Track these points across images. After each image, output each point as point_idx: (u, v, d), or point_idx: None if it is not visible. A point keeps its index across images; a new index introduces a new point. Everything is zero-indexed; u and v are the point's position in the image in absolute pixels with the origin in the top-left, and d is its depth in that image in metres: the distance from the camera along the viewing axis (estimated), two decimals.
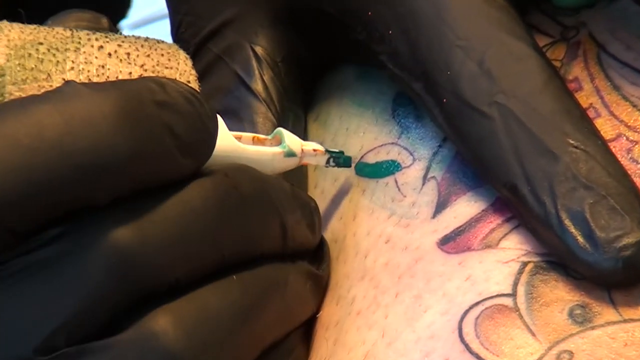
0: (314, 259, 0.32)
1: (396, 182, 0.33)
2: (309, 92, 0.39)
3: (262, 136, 0.32)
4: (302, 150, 0.32)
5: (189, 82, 0.33)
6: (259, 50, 0.35)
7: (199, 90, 0.30)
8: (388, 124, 0.34)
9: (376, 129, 0.35)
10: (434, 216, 0.31)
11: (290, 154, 0.32)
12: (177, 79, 0.31)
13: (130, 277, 0.25)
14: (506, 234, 0.30)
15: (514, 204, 0.29)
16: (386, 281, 0.31)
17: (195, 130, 0.26)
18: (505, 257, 0.29)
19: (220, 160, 0.28)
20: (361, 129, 0.35)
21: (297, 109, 0.36)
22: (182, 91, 0.26)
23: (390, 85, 0.35)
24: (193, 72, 0.34)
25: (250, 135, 0.31)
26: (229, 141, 0.29)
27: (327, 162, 0.33)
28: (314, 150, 0.33)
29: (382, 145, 0.34)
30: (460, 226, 0.31)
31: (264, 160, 0.31)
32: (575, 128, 0.28)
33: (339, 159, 0.33)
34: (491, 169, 0.29)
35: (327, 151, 0.33)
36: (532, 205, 0.28)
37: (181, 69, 0.31)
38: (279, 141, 0.32)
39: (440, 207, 0.31)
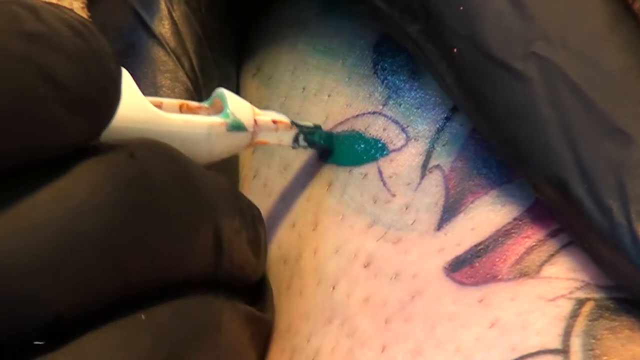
0: (252, 294, 0.31)
1: (380, 172, 0.32)
2: (245, 33, 0.39)
3: (193, 103, 0.31)
4: (256, 121, 0.31)
5: (71, 7, 0.31)
6: None
7: (89, 20, 0.28)
8: (367, 83, 0.33)
9: (349, 91, 0.33)
10: (439, 227, 0.30)
11: (236, 126, 0.30)
12: (58, 3, 0.30)
13: None
14: (551, 256, 0.28)
15: (563, 210, 0.28)
16: (366, 326, 0.29)
17: (88, 76, 0.25)
18: (550, 291, 0.28)
19: (128, 134, 0.27)
20: (326, 90, 0.34)
21: (225, 61, 0.36)
22: (65, 18, 0.25)
23: (370, 24, 0.34)
24: None
25: (175, 101, 0.30)
26: (140, 106, 0.28)
27: (295, 140, 0.32)
28: (274, 121, 0.31)
29: (358, 115, 0.33)
30: (481, 243, 0.29)
31: (195, 136, 0.29)
32: None
33: (313, 136, 0.32)
34: (527, 156, 0.28)
35: (294, 124, 0.32)
36: (590, 213, 0.26)
37: None
38: (219, 109, 0.30)
39: (449, 212, 0.30)
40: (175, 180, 0.27)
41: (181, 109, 0.31)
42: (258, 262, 0.31)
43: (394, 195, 0.31)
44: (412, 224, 0.30)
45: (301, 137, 0.32)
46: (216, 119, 0.30)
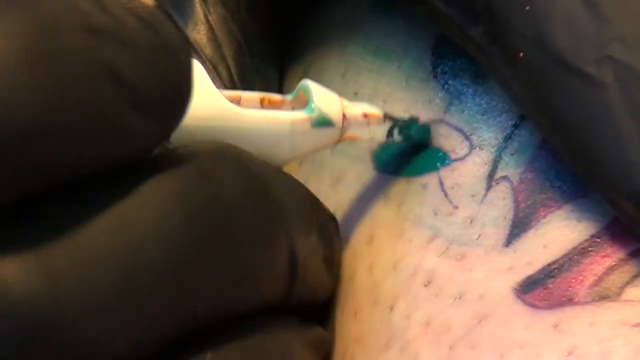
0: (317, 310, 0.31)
1: (441, 183, 0.31)
2: (290, 35, 0.38)
3: (276, 96, 0.30)
4: (345, 115, 0.30)
5: None
6: None
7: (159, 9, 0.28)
8: (426, 88, 0.33)
9: (406, 96, 0.33)
10: (507, 243, 0.29)
11: (323, 121, 0.29)
12: None
13: (32, 354, 0.23)
14: (634, 277, 0.28)
15: None
16: (429, 354, 0.29)
17: (158, 73, 0.24)
18: (634, 315, 0.27)
19: (201, 134, 0.27)
20: (380, 95, 0.34)
21: (267, 67, 0.36)
22: (132, 8, 0.24)
23: (428, 23, 0.33)
24: None
25: (256, 95, 0.30)
26: (215, 101, 0.28)
27: (389, 134, 0.31)
28: (365, 115, 0.30)
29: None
30: (555, 262, 0.28)
31: (277, 133, 0.28)
32: None
33: (409, 129, 0.31)
34: (603, 169, 0.27)
35: (388, 117, 0.31)
36: None
37: None
38: (304, 102, 0.30)
39: (518, 227, 0.29)
40: (251, 202, 0.26)
41: (262, 103, 0.30)
42: (331, 279, 0.30)
43: (456, 208, 0.31)
44: (477, 238, 0.30)
45: (396, 131, 0.31)
46: (300, 115, 0.29)
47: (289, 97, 0.30)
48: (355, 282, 0.32)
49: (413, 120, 0.31)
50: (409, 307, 0.30)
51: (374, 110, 0.30)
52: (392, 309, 0.30)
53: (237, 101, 0.29)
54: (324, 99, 0.29)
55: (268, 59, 0.36)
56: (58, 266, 0.23)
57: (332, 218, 0.30)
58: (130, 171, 0.25)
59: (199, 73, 0.27)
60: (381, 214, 0.32)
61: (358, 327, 0.31)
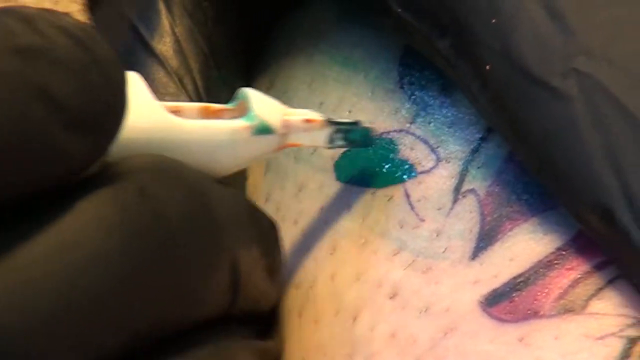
0: (262, 320, 0.30)
1: (407, 195, 0.31)
2: (258, 45, 0.38)
3: (216, 105, 0.29)
4: (285, 121, 0.29)
5: (68, 11, 0.31)
6: None
7: (91, 25, 0.28)
8: (393, 98, 0.32)
9: (372, 106, 0.33)
10: (474, 256, 0.29)
11: (263, 128, 0.29)
12: (53, 8, 0.29)
13: None
14: (599, 290, 0.27)
15: (609, 242, 0.27)
16: None
17: (90, 90, 0.24)
18: (598, 329, 0.27)
19: (141, 146, 0.26)
20: (346, 105, 0.33)
21: (233, 79, 0.35)
22: (63, 26, 0.24)
23: (397, 35, 0.33)
24: None
25: (195, 105, 0.29)
26: (153, 113, 0.27)
27: (331, 140, 0.30)
28: (306, 120, 0.30)
29: (382, 133, 0.32)
30: (520, 275, 0.28)
31: (217, 143, 0.28)
32: None
33: (351, 134, 0.31)
34: (568, 182, 0.27)
35: (329, 122, 0.30)
36: (638, 243, 0.26)
37: None
38: (244, 110, 0.29)
39: (484, 240, 0.29)
40: (191, 218, 0.26)
41: (202, 113, 0.29)
42: (274, 288, 0.30)
43: (422, 220, 0.30)
44: (443, 252, 0.30)
45: (338, 136, 0.30)
46: (240, 123, 0.29)
47: (229, 106, 0.30)
48: (315, 290, 0.31)
49: (354, 124, 0.31)
50: (374, 318, 0.30)
51: (315, 116, 0.30)
52: (355, 319, 0.30)
53: (177, 111, 0.28)
54: (263, 106, 0.29)
55: (235, 70, 0.36)
56: None
57: (273, 226, 0.30)
58: (69, 190, 0.24)
59: (138, 85, 0.27)
60: (344, 224, 0.32)
61: (319, 335, 0.31)
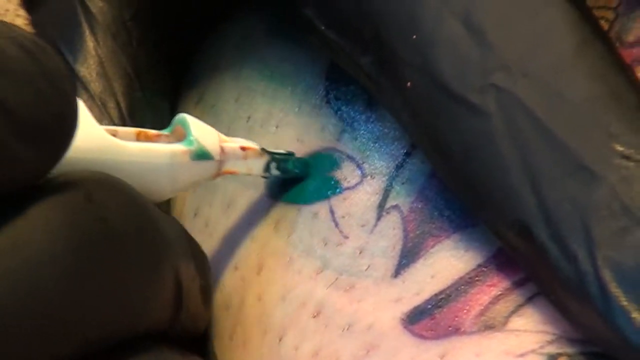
0: (195, 345, 0.30)
1: (332, 212, 0.31)
2: (185, 60, 0.38)
3: (152, 131, 0.30)
4: (222, 149, 0.29)
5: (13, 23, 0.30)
6: (95, 4, 0.33)
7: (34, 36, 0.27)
8: (319, 114, 0.33)
9: (300, 122, 0.33)
10: (396, 274, 0.29)
11: (201, 154, 0.29)
12: None
13: None
14: (519, 307, 0.27)
15: (527, 258, 0.27)
16: None
17: (40, 100, 0.24)
18: (518, 346, 0.27)
19: (81, 166, 0.26)
20: (273, 120, 0.33)
21: (158, 100, 0.35)
22: (13, 36, 0.24)
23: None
24: (21, 11, 0.32)
25: (132, 130, 0.29)
26: (96, 134, 0.27)
27: (266, 169, 0.31)
28: (243, 148, 0.30)
29: (310, 151, 0.32)
30: (442, 292, 0.28)
31: (156, 166, 0.28)
32: (628, 126, 0.26)
33: (287, 164, 0.31)
34: (487, 199, 0.27)
35: (265, 151, 0.31)
36: (555, 260, 0.26)
37: (0, 6, 0.31)
38: (181, 136, 0.29)
39: (407, 258, 0.29)
40: (135, 225, 0.26)
41: (138, 138, 0.29)
42: (207, 311, 0.30)
43: (346, 238, 0.30)
44: (366, 269, 0.29)
45: (273, 165, 0.31)
46: (179, 147, 0.29)
47: (165, 132, 0.30)
48: (244, 311, 0.31)
49: (290, 155, 0.31)
50: (298, 337, 0.30)
51: (252, 144, 0.30)
52: (281, 339, 0.30)
53: (113, 135, 0.28)
54: (202, 132, 0.29)
55: (160, 90, 0.36)
56: None
57: (203, 252, 0.30)
58: (18, 196, 0.24)
59: (80, 107, 0.26)
60: (271, 241, 0.32)
61: (247, 358, 0.30)
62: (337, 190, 0.31)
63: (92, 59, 0.33)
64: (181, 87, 0.37)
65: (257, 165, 0.30)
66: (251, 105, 0.34)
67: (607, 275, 0.25)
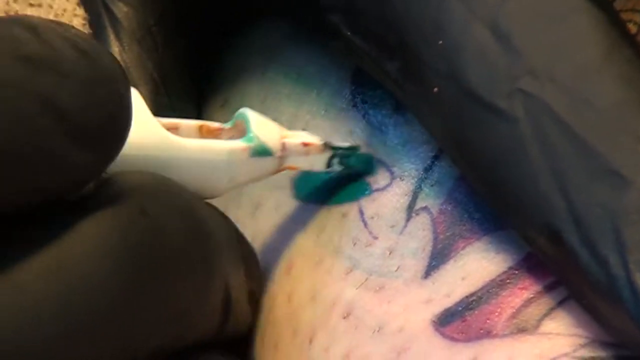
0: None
1: (361, 213, 0.31)
2: (210, 63, 0.37)
3: (214, 124, 0.29)
4: (284, 144, 0.29)
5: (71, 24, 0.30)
6: (120, 9, 0.33)
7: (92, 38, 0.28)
8: (346, 117, 0.32)
9: (327, 124, 0.33)
10: (426, 275, 0.29)
11: (261, 150, 0.29)
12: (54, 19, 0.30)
13: None
14: (551, 310, 0.27)
15: (558, 263, 0.27)
16: None
17: (95, 103, 0.24)
18: (551, 349, 0.27)
19: (138, 163, 0.26)
20: (299, 122, 0.33)
21: (183, 105, 0.35)
22: (69, 37, 0.24)
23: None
24: (79, 10, 0.31)
25: (194, 123, 0.29)
26: (152, 130, 0.27)
27: (329, 164, 0.30)
28: (304, 144, 0.30)
29: None
30: (473, 294, 0.28)
31: (214, 163, 0.28)
32: None
33: (348, 159, 0.31)
34: (516, 204, 0.27)
35: (328, 146, 0.30)
36: (586, 265, 0.25)
37: (58, 6, 0.31)
38: (242, 130, 0.29)
39: (437, 259, 0.29)
40: (189, 238, 0.26)
41: (201, 131, 0.29)
42: (252, 313, 0.30)
43: (375, 238, 0.30)
44: (396, 270, 0.29)
45: (336, 161, 0.30)
46: (238, 144, 0.28)
47: (227, 125, 0.29)
48: (274, 313, 0.31)
49: (353, 149, 0.31)
50: (328, 339, 0.29)
51: (314, 140, 0.30)
52: (311, 341, 0.30)
53: (175, 129, 0.28)
54: (262, 127, 0.29)
55: (185, 95, 0.35)
56: None
57: (253, 250, 0.30)
58: (68, 206, 0.24)
59: (137, 101, 0.26)
60: (300, 242, 0.32)
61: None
62: (367, 191, 0.31)
63: None
64: (206, 90, 0.37)
65: (319, 161, 0.30)
66: (277, 108, 0.34)
67: (639, 279, 0.25)
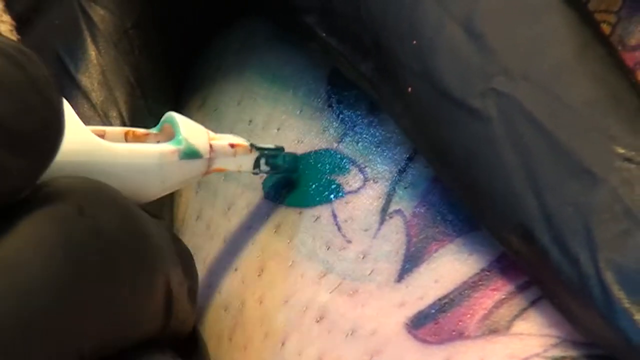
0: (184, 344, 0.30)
1: (335, 216, 0.31)
2: (188, 65, 0.37)
3: (140, 130, 0.29)
4: (211, 146, 0.29)
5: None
6: (96, 12, 0.33)
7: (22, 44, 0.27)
8: (321, 117, 0.32)
9: (301, 124, 0.32)
10: (399, 278, 0.29)
11: (191, 152, 0.29)
12: None
13: None
14: (523, 311, 0.27)
15: (530, 262, 0.27)
16: None
17: (27, 109, 0.23)
18: (522, 349, 0.27)
19: (70, 169, 0.26)
20: (274, 122, 0.33)
21: (160, 107, 0.34)
22: None
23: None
24: (5, 16, 0.31)
25: (119, 129, 0.29)
26: (82, 137, 0.27)
27: (256, 165, 0.30)
28: (232, 145, 0.30)
29: (310, 151, 0.32)
30: (445, 296, 0.28)
31: (145, 166, 0.28)
32: (628, 128, 0.26)
33: (276, 160, 0.31)
34: (489, 204, 0.27)
35: (254, 147, 0.30)
36: (557, 264, 0.25)
37: None
38: (170, 135, 0.29)
39: (410, 262, 0.29)
40: (128, 236, 0.26)
41: (127, 138, 0.29)
42: (193, 310, 0.29)
43: (349, 242, 0.30)
44: (369, 274, 0.29)
45: (262, 161, 0.30)
46: (168, 147, 0.28)
47: (153, 131, 0.29)
48: (244, 313, 0.31)
49: (279, 150, 0.31)
50: (301, 342, 0.29)
51: (241, 141, 0.30)
52: (283, 344, 0.30)
53: (101, 135, 0.28)
54: (190, 130, 0.29)
55: (162, 97, 0.35)
56: None
57: (188, 250, 0.30)
58: (7, 210, 0.24)
59: (67, 109, 0.26)
60: (272, 245, 0.31)
61: None
62: (340, 194, 0.31)
63: (93, 68, 0.33)
64: (184, 92, 0.37)
65: (246, 162, 0.30)
66: (253, 108, 0.34)
67: (609, 277, 0.25)
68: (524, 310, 0.27)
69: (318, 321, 0.29)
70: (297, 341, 0.29)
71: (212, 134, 0.29)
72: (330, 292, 0.29)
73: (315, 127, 0.32)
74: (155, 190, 0.28)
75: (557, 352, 0.26)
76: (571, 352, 0.26)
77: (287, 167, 0.31)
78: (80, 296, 0.24)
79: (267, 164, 0.30)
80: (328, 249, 0.30)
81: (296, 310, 0.30)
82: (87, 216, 0.25)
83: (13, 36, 0.31)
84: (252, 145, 0.30)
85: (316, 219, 0.31)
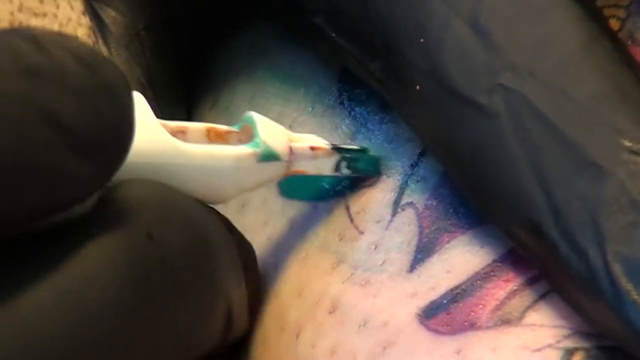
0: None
1: (347, 209, 0.31)
2: (199, 65, 0.37)
3: (222, 127, 0.29)
4: (291, 148, 0.29)
5: (76, 35, 0.30)
6: (108, 14, 0.33)
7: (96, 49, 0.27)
8: (333, 115, 0.32)
9: (313, 121, 0.33)
10: (411, 269, 0.29)
11: (268, 156, 0.28)
12: (58, 30, 0.30)
13: None
14: (535, 302, 0.27)
15: (539, 257, 0.27)
16: None
17: (98, 115, 0.23)
18: (535, 340, 0.27)
19: (144, 170, 0.26)
20: (286, 120, 0.33)
21: (172, 108, 0.35)
22: (71, 48, 0.23)
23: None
24: (84, 19, 0.31)
25: (202, 126, 0.28)
26: (157, 137, 0.26)
27: (337, 167, 0.30)
28: (312, 148, 0.29)
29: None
30: (457, 287, 0.28)
31: (221, 169, 0.27)
32: (635, 122, 0.26)
33: (357, 162, 0.30)
34: (498, 199, 0.27)
35: (336, 149, 0.30)
36: (566, 258, 0.25)
37: (63, 15, 0.30)
38: (249, 134, 0.28)
39: (422, 253, 0.29)
40: (195, 260, 0.26)
41: (208, 135, 0.28)
42: (250, 317, 0.30)
43: (361, 233, 0.30)
44: (381, 264, 0.29)
45: (344, 164, 0.30)
46: (245, 150, 0.28)
47: (235, 128, 0.29)
48: (262, 309, 0.31)
49: (361, 152, 0.30)
50: (315, 335, 0.29)
51: (321, 143, 0.29)
52: (298, 336, 0.30)
53: (182, 133, 0.28)
54: (269, 132, 0.28)
55: (174, 98, 0.35)
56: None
57: (253, 254, 0.30)
58: (73, 227, 0.24)
59: (142, 107, 0.26)
60: (286, 239, 0.31)
61: (267, 356, 0.30)
62: (353, 188, 0.31)
63: None
64: (195, 93, 0.37)
65: (327, 165, 0.30)
66: (264, 106, 0.34)
67: (617, 270, 0.25)
68: (536, 301, 0.27)
69: (331, 312, 0.29)
70: (311, 333, 0.29)
71: (292, 135, 0.29)
72: (343, 283, 0.29)
73: (328, 124, 0.32)
74: (230, 192, 0.28)
75: (570, 344, 0.26)
76: (584, 344, 0.26)
77: (370, 170, 0.30)
78: (143, 325, 0.24)
79: (348, 167, 0.30)
80: (341, 240, 0.30)
81: (309, 302, 0.30)
82: (156, 242, 0.25)
83: (90, 40, 0.31)
84: (334, 148, 0.30)
85: (329, 212, 0.31)
